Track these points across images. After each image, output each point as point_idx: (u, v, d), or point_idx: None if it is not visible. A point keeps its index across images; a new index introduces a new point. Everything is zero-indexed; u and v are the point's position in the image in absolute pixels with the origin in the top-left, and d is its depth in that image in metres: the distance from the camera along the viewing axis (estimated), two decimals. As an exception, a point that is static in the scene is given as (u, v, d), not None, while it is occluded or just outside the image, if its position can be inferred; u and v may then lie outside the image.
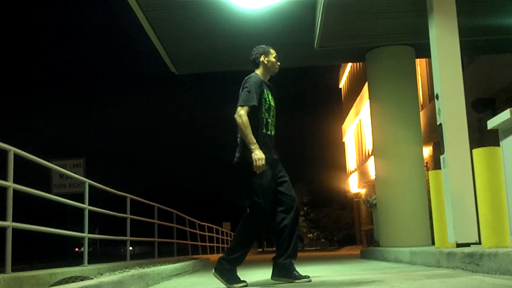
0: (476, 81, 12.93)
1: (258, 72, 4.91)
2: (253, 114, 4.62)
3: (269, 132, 4.74)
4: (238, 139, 4.71)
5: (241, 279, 4.66)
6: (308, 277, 4.68)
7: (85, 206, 7.89)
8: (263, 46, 4.97)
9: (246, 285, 4.63)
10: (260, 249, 48.19)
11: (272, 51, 4.95)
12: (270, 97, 4.84)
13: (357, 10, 8.85)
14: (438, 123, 6.56)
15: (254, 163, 4.44)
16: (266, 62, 4.91)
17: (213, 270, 4.70)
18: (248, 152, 4.59)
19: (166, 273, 6.86)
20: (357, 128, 31.26)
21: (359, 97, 28.47)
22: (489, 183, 5.27)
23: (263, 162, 4.45)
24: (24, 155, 5.84)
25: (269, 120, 4.76)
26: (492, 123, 5.12)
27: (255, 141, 4.53)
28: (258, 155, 4.45)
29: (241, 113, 4.56)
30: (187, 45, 10.87)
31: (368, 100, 12.06)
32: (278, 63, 4.97)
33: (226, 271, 4.63)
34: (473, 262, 4.75)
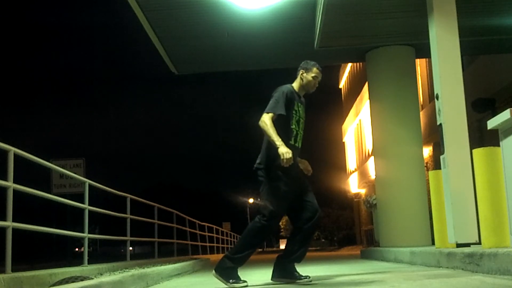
0: (476, 81, 12.92)
1: (295, 83, 4.91)
2: (282, 125, 4.60)
3: (296, 144, 4.73)
4: (262, 146, 4.73)
5: (242, 279, 4.66)
6: (309, 277, 4.69)
7: (85, 206, 7.89)
8: (312, 62, 4.92)
9: (246, 285, 4.63)
10: (260, 249, 48.16)
11: (315, 70, 4.89)
12: (301, 110, 4.82)
13: (357, 10, 8.85)
14: (438, 123, 6.56)
15: (282, 157, 4.38)
16: (302, 78, 4.89)
17: (213, 270, 4.70)
18: (267, 157, 4.62)
19: (166, 273, 6.86)
20: (357, 128, 31.26)
21: (359, 97, 28.47)
22: (489, 183, 5.26)
23: (290, 155, 4.39)
24: (24, 155, 5.84)
25: (298, 132, 4.76)
26: (492, 123, 5.12)
27: (279, 138, 4.49)
28: (283, 149, 4.40)
29: (265, 119, 4.54)
30: (187, 45, 10.88)
31: (368, 100, 12.06)
32: (316, 85, 4.93)
33: (226, 270, 4.63)
34: (473, 262, 4.75)
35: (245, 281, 4.64)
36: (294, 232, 4.76)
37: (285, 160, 4.38)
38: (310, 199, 4.74)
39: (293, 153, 4.47)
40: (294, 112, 4.72)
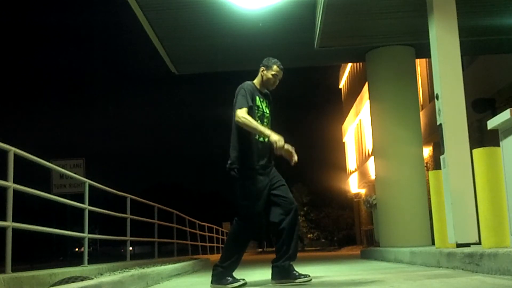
0: (476, 81, 12.93)
1: (255, 80, 4.91)
2: None
3: (261, 139, 4.69)
4: (231, 146, 4.73)
5: (239, 278, 4.66)
6: (308, 275, 4.67)
7: (85, 206, 7.89)
8: (274, 60, 4.89)
9: (245, 283, 4.63)
10: (260, 249, 48.15)
11: (275, 68, 4.85)
12: (263, 105, 4.83)
13: (357, 10, 8.85)
14: (438, 123, 6.56)
15: (275, 145, 4.44)
16: (262, 75, 4.89)
17: (210, 284, 4.68)
18: (239, 156, 4.62)
19: (166, 273, 6.86)
20: (357, 128, 31.26)
21: (359, 97, 28.47)
22: (489, 183, 5.26)
23: (282, 142, 4.45)
24: (24, 155, 5.84)
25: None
26: (492, 123, 5.13)
27: (265, 128, 4.56)
28: (275, 137, 4.46)
29: (241, 114, 4.55)
30: (187, 45, 10.88)
31: (368, 100, 12.06)
32: (276, 83, 4.92)
33: (220, 275, 4.63)
34: (473, 262, 4.75)
35: (243, 279, 4.65)
36: (278, 233, 4.66)
37: (277, 148, 4.43)
38: (284, 193, 4.71)
39: (259, 148, 4.61)
40: (256, 107, 4.72)
